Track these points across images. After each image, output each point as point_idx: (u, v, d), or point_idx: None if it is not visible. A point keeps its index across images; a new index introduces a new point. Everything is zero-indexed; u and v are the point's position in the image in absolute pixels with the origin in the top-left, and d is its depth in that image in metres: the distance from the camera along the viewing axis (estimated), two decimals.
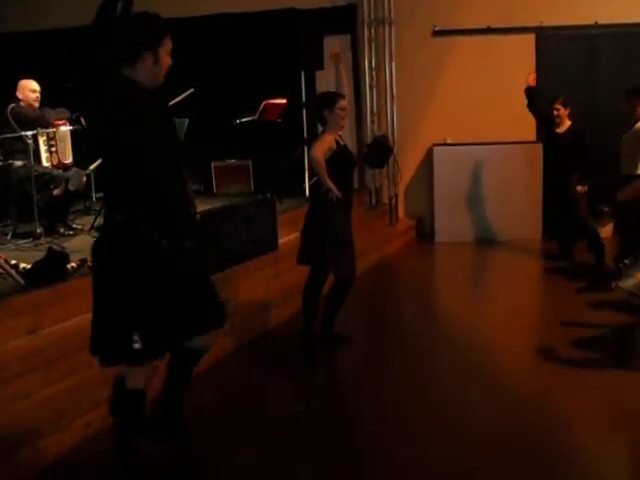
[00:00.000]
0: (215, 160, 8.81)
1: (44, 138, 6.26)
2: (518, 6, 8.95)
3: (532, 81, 7.51)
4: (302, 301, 4.96)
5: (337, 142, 4.86)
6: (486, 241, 9.03)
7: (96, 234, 6.09)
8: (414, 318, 6.12)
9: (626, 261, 6.51)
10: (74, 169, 6.47)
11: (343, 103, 4.88)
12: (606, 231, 7.71)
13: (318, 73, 8.55)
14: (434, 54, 9.26)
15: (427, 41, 9.33)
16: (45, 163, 6.29)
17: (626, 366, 4.64)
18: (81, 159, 6.67)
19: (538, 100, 7.51)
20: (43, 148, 6.28)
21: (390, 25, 9.18)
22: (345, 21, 9.30)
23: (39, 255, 4.63)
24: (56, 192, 6.20)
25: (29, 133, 5.95)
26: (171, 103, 5.13)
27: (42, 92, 6.37)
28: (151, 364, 3.16)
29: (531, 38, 9.11)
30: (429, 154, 9.39)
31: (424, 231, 9.60)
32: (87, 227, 6.49)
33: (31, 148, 5.96)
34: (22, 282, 4.29)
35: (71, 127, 6.42)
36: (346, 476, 3.39)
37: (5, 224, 6.38)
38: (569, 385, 4.32)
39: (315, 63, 8.09)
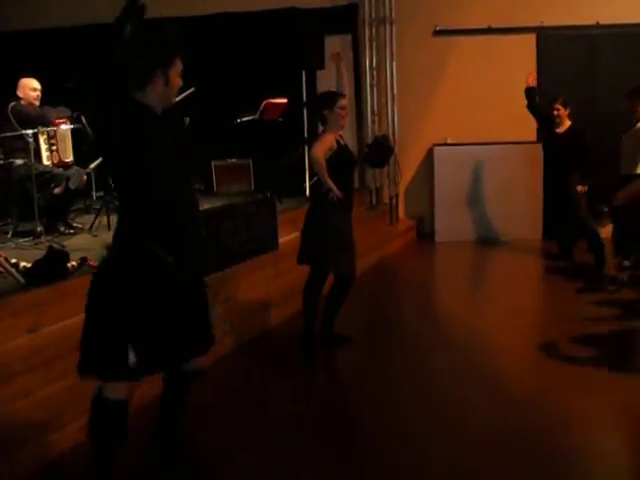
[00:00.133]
0: (216, 159, 8.81)
1: (45, 137, 6.27)
2: (519, 6, 8.95)
3: (532, 81, 7.50)
4: (302, 301, 4.96)
5: (338, 142, 4.86)
6: (486, 241, 9.03)
7: (96, 233, 6.21)
8: (414, 318, 6.12)
9: (627, 262, 6.53)
10: (75, 168, 6.47)
11: (343, 102, 4.87)
12: (606, 231, 7.71)
13: (319, 73, 8.55)
14: (435, 54, 9.26)
15: (428, 41, 9.33)
16: (46, 162, 6.30)
17: (626, 366, 4.64)
18: (81, 158, 6.67)
19: (537, 100, 7.52)
20: (44, 147, 6.29)
21: (391, 25, 9.19)
22: (346, 21, 9.31)
23: (39, 254, 4.62)
24: (57, 191, 6.20)
25: (30, 132, 5.95)
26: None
27: (43, 91, 6.37)
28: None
29: (532, 38, 9.12)
30: (430, 154, 9.40)
31: (424, 231, 9.61)
32: (87, 226, 6.49)
33: (32, 147, 5.96)
34: (22, 281, 4.29)
35: (72, 126, 6.42)
36: (346, 476, 3.39)
37: (5, 223, 6.38)
38: (569, 385, 4.31)
39: (316, 63, 8.09)
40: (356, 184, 7.86)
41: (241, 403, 4.24)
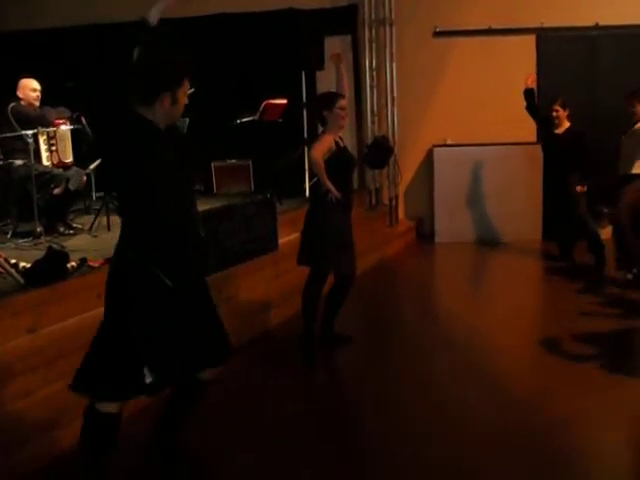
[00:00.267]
0: (215, 160, 8.81)
1: (44, 137, 6.27)
2: (519, 7, 8.94)
3: (531, 83, 7.51)
4: (302, 301, 4.96)
5: (337, 143, 4.86)
6: (486, 242, 9.03)
7: (95, 234, 6.21)
8: (414, 318, 6.12)
9: (635, 270, 6.51)
10: (74, 168, 6.47)
11: (342, 103, 4.87)
12: (606, 232, 7.71)
13: (319, 73, 8.55)
14: (435, 55, 9.26)
15: (428, 42, 9.33)
16: (45, 162, 6.30)
17: (626, 366, 4.64)
18: (81, 158, 6.68)
19: (536, 102, 7.52)
20: (43, 147, 6.29)
21: (391, 26, 9.18)
22: (346, 21, 9.31)
23: (39, 254, 4.62)
24: (56, 191, 6.20)
25: (29, 132, 5.95)
26: None
27: (42, 91, 6.37)
28: None
29: (532, 39, 9.11)
30: (429, 155, 9.39)
31: (424, 232, 9.60)
32: (87, 226, 6.49)
33: (31, 147, 5.96)
34: (22, 281, 4.29)
35: (71, 126, 6.43)
36: (346, 476, 3.39)
37: (5, 223, 6.38)
38: (569, 385, 4.32)
39: (316, 63, 8.09)
40: (356, 185, 7.86)
41: (241, 403, 4.24)
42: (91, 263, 4.77)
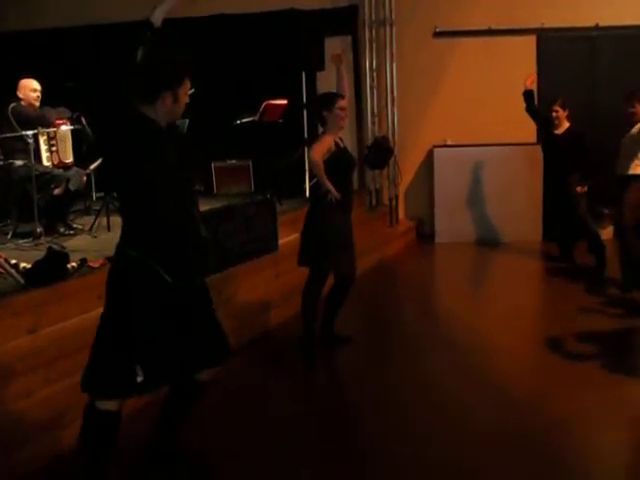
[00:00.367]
0: (215, 160, 8.81)
1: (45, 137, 6.26)
2: (519, 7, 8.95)
3: (530, 84, 7.51)
4: (302, 302, 4.96)
5: (336, 144, 4.86)
6: (486, 242, 9.03)
7: (95, 234, 6.21)
8: (414, 319, 6.12)
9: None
10: (75, 169, 6.46)
11: (342, 103, 4.88)
12: (607, 233, 7.71)
13: (319, 74, 8.55)
14: (435, 55, 9.26)
15: (428, 42, 9.33)
16: (46, 162, 6.29)
17: (626, 367, 4.64)
18: (81, 159, 6.67)
19: (536, 102, 7.52)
20: (44, 147, 6.28)
21: (391, 26, 9.19)
22: (346, 22, 9.31)
23: (39, 255, 4.62)
24: (56, 192, 6.20)
25: (30, 132, 5.94)
26: None
27: (43, 91, 6.37)
28: None
29: (532, 39, 9.11)
30: (429, 155, 9.39)
31: (424, 232, 9.60)
32: (87, 227, 6.49)
33: (32, 147, 5.95)
34: (22, 281, 4.29)
35: (72, 127, 6.42)
36: (346, 476, 3.39)
37: (5, 224, 6.37)
38: (569, 385, 4.32)
39: (316, 64, 8.10)
40: (356, 185, 7.85)
41: (241, 403, 4.24)
42: (91, 263, 4.77)
